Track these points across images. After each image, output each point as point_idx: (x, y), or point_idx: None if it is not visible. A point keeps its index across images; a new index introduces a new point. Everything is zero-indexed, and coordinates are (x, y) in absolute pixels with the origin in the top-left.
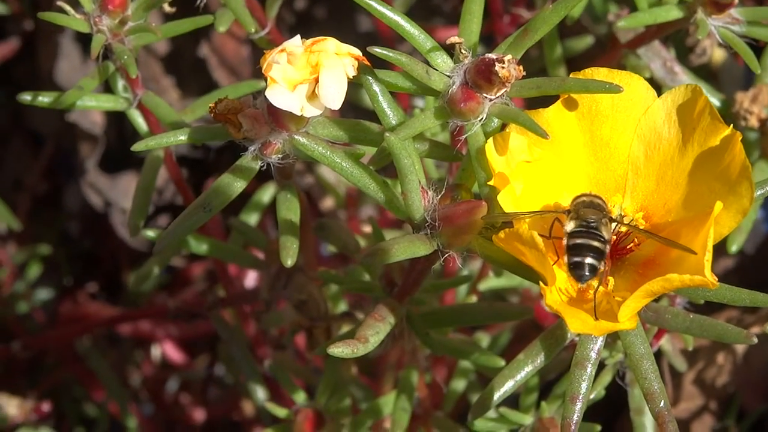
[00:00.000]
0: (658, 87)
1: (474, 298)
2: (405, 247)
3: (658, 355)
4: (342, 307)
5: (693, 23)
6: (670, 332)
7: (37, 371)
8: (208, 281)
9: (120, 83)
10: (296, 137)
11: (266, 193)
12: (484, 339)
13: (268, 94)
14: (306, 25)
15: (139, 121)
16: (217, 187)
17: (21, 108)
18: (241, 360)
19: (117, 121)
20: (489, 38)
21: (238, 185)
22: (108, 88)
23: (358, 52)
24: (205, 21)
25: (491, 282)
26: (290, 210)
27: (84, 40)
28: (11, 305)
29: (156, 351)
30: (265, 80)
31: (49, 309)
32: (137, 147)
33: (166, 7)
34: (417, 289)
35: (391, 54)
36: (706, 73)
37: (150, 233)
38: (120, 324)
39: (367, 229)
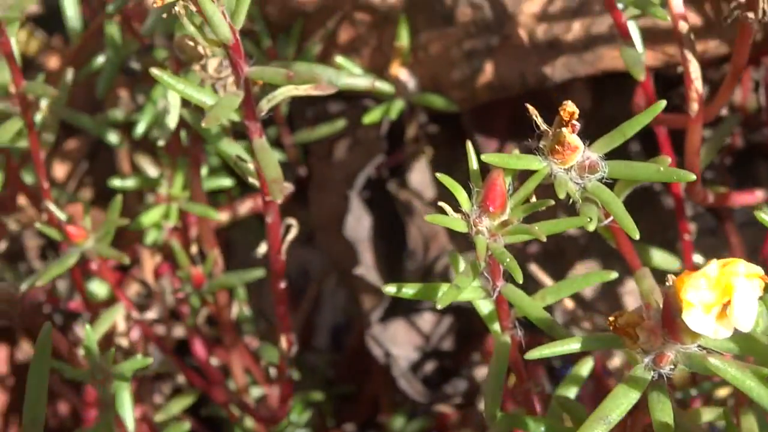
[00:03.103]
0: None
1: None
2: None
3: None
4: None
5: None
6: None
7: None
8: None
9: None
10: (711, 361)
11: (584, 367)
12: None
13: (686, 318)
14: None
15: (483, 308)
16: (614, 399)
17: None
18: None
19: (388, 268)
20: None
21: (633, 396)
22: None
23: (762, 271)
24: (580, 222)
25: None
26: (664, 412)
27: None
28: None
29: None
30: (680, 302)
31: None
32: (531, 355)
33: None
34: None
35: None
36: None
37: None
38: None
39: None
